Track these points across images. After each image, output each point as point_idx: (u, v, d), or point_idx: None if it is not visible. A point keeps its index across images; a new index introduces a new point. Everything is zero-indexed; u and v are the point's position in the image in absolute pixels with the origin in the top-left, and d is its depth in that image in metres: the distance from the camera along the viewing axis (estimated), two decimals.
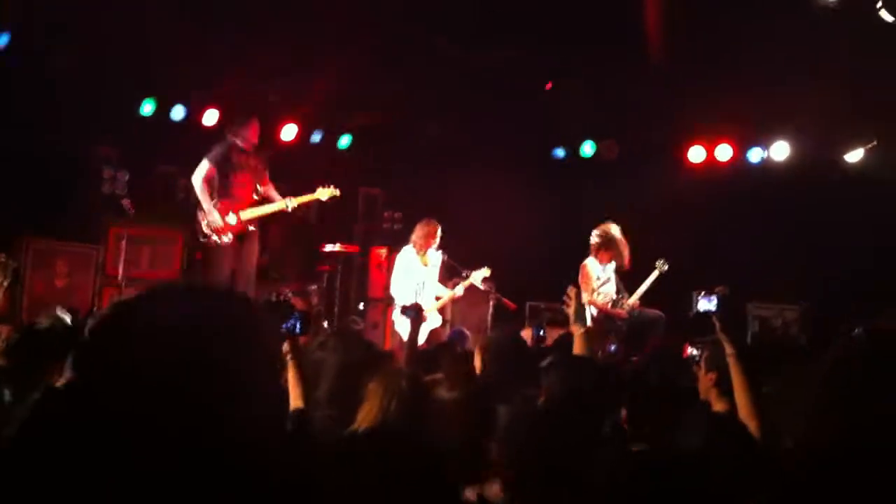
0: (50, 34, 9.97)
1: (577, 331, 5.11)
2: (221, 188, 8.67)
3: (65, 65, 10.06)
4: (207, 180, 8.67)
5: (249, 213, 8.73)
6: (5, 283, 4.76)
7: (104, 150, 10.77)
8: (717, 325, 4.12)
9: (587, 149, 12.30)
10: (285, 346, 4.12)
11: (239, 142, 8.80)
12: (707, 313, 4.44)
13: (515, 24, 10.14)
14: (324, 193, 9.01)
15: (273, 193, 8.97)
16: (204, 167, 8.68)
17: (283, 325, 4.18)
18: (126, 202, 9.17)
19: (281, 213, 9.04)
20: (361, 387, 3.72)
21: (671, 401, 4.18)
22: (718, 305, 4.52)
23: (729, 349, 4.04)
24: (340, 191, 9.28)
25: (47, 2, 9.61)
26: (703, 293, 4.68)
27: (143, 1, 9.54)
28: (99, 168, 10.64)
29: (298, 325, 4.24)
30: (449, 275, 9.63)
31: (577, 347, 5.04)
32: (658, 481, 2.56)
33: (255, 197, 8.83)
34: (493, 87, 11.30)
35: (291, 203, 8.85)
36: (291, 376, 4.08)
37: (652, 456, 3.22)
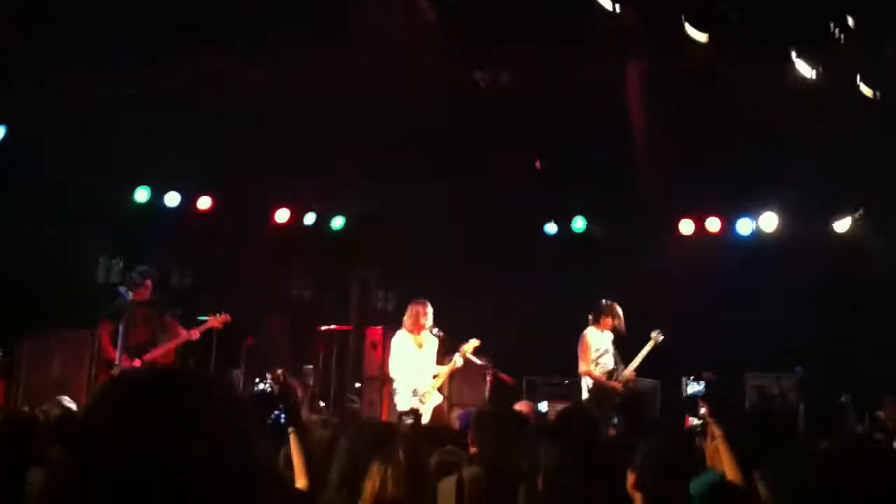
0: (45, 127, 10.16)
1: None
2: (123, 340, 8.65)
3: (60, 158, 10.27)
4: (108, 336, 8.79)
5: (153, 355, 8.75)
6: None
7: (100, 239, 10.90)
8: (705, 409, 4.24)
9: (578, 224, 12.40)
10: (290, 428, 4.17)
11: (133, 296, 8.82)
12: (695, 396, 4.58)
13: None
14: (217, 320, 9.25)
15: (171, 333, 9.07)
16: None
17: (269, 418, 4.22)
18: (121, 289, 9.17)
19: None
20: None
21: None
22: (706, 389, 4.67)
23: (717, 431, 4.23)
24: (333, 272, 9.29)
25: (44, 97, 9.77)
26: (692, 377, 4.82)
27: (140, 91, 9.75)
28: (95, 257, 10.74)
29: (283, 417, 4.27)
30: (444, 351, 9.63)
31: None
32: None
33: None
34: (485, 163, 11.46)
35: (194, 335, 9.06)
36: (294, 452, 4.12)
37: None
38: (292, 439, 4.16)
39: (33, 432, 4.49)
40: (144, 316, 8.84)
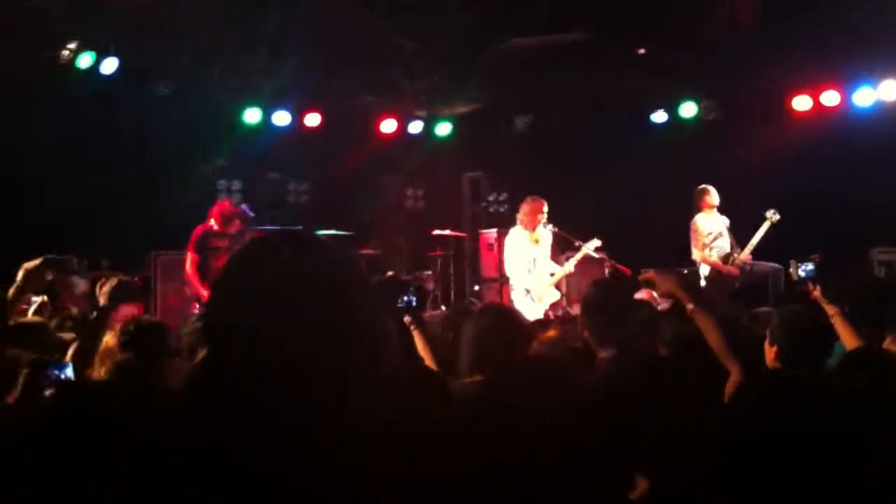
0: (148, 60, 10.37)
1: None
2: (203, 273, 8.41)
3: (169, 87, 10.54)
4: (196, 269, 8.48)
5: None
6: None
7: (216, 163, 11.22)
8: (816, 290, 4.30)
9: (687, 110, 12.08)
10: (407, 318, 4.28)
11: (213, 226, 8.63)
12: (804, 280, 4.58)
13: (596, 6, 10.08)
14: None
15: None
16: (189, 259, 8.54)
17: (400, 301, 4.33)
18: (245, 207, 9.38)
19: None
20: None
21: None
22: (815, 272, 4.66)
23: (831, 310, 4.24)
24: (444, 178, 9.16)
25: (137, 30, 9.91)
26: (798, 262, 4.83)
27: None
28: (213, 180, 11.09)
29: (414, 300, 4.38)
30: (562, 248, 9.65)
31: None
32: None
33: None
34: (583, 65, 11.21)
35: None
36: (419, 346, 4.23)
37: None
38: (416, 334, 4.28)
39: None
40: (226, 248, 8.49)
